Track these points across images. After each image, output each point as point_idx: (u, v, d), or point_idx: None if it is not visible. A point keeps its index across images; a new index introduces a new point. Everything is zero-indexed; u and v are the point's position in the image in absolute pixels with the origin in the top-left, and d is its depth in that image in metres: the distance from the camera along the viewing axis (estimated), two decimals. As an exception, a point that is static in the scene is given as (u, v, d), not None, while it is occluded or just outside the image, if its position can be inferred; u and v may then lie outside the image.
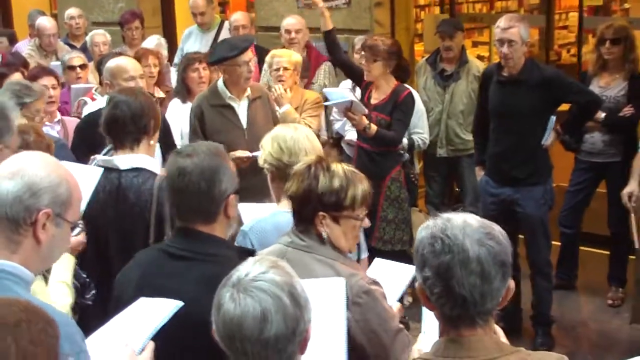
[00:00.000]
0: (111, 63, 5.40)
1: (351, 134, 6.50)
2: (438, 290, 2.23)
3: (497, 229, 2.28)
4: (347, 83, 6.86)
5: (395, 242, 6.16)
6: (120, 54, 6.31)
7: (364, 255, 4.06)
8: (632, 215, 5.86)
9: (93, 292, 3.69)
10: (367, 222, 3.31)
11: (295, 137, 3.84)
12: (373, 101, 6.07)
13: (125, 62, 5.39)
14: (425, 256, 2.24)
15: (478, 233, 2.23)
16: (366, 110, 5.86)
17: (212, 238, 3.06)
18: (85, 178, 3.62)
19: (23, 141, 3.93)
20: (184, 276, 2.97)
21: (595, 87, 6.47)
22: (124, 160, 3.99)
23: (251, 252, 3.22)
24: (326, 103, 6.13)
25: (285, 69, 6.21)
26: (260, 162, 3.90)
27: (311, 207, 3.15)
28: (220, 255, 3.01)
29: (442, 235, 2.22)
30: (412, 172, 6.38)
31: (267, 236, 3.63)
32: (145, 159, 4.03)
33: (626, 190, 5.87)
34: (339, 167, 3.20)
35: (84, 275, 3.71)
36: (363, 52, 6.14)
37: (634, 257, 6.21)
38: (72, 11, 9.17)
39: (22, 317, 1.82)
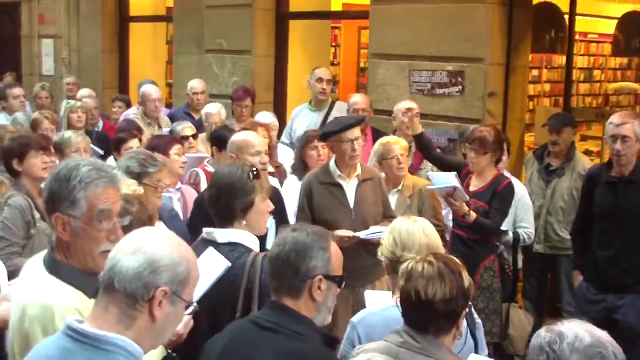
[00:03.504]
0: (238, 137, 5.54)
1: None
2: None
3: (611, 348, 2.24)
4: None
5: (484, 334, 5.99)
6: (229, 129, 6.46)
7: (484, 352, 3.98)
8: None
9: None
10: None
11: (410, 231, 3.83)
12: (472, 188, 6.01)
13: (252, 137, 5.52)
14: None
15: (588, 351, 2.19)
16: (467, 198, 5.80)
17: (297, 315, 3.08)
18: (211, 267, 3.68)
19: (125, 211, 3.97)
20: (264, 348, 2.99)
21: None
22: (223, 234, 4.01)
23: (335, 341, 3.18)
24: (430, 187, 6.06)
25: (402, 155, 6.16)
26: (379, 254, 3.89)
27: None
28: (305, 334, 3.01)
29: (549, 349, 2.20)
30: (507, 263, 6.24)
31: (375, 331, 3.59)
32: (243, 234, 4.04)
33: None
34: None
35: (169, 351, 3.67)
36: (469, 144, 6.10)
37: None
38: (196, 86, 9.37)
39: None
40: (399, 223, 3.93)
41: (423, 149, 6.50)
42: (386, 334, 3.45)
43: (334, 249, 3.17)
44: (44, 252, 3.15)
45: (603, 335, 2.27)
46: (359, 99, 7.90)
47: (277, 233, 5.13)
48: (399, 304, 3.17)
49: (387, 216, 5.65)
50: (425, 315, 3.07)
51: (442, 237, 5.96)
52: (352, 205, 5.63)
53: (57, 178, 3.03)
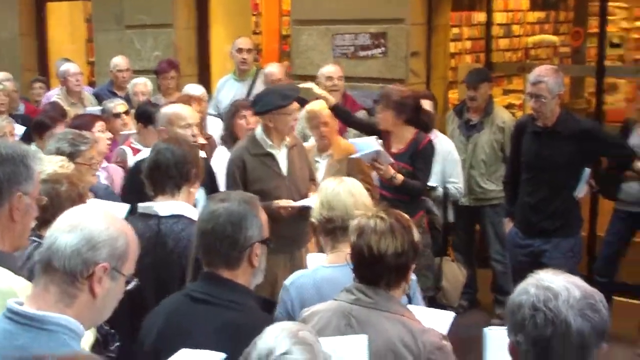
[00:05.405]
0: (168, 110, 5.49)
1: None
2: (532, 356, 2.22)
3: (597, 297, 2.23)
4: None
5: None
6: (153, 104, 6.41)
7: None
8: None
9: (117, 344, 3.64)
10: None
11: (336, 191, 3.85)
12: (393, 150, 6.02)
13: (182, 110, 5.47)
14: (523, 325, 2.21)
15: (581, 304, 2.19)
16: (392, 160, 5.83)
17: (234, 285, 3.08)
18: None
19: (54, 191, 3.89)
20: (204, 321, 3.00)
21: (636, 135, 6.47)
22: (164, 206, 4.02)
23: (272, 304, 3.22)
24: (353, 155, 6.05)
25: (326, 123, 6.19)
26: (311, 216, 3.93)
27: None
28: (241, 303, 3.04)
29: (545, 308, 2.18)
30: (436, 218, 6.30)
31: (306, 292, 3.64)
32: (185, 206, 4.06)
33: None
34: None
35: (107, 327, 3.65)
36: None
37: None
38: (120, 62, 9.25)
39: None
40: (326, 184, 3.97)
41: (342, 118, 6.45)
42: (316, 294, 3.51)
43: (262, 212, 3.18)
44: None
45: (584, 284, 2.27)
46: (274, 69, 7.96)
47: None
48: (349, 260, 3.20)
49: (311, 179, 5.78)
50: (376, 269, 3.10)
51: (373, 198, 6.08)
52: (285, 174, 5.66)
53: (6, 158, 2.91)
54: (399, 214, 3.26)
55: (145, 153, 4.75)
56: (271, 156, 5.65)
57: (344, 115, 6.41)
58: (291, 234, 5.36)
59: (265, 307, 3.15)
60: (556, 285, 2.21)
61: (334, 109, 6.30)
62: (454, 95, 9.47)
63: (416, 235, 3.20)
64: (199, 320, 3.01)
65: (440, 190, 6.53)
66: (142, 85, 8.16)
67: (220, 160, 6.25)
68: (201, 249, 3.16)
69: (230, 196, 3.18)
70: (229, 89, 8.38)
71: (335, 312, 3.14)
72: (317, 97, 6.33)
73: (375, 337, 3.01)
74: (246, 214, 3.08)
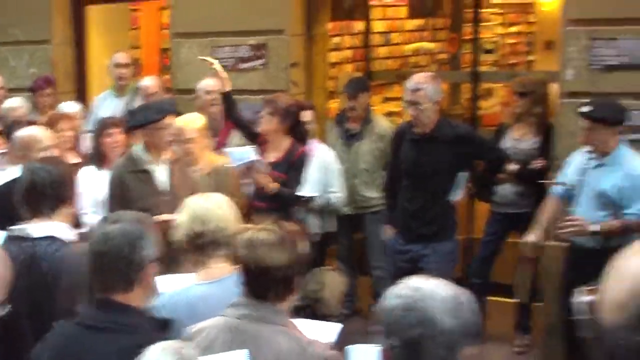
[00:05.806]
0: (22, 133, 5.30)
1: None
2: (404, 357, 2.25)
3: (465, 297, 2.29)
4: None
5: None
6: (29, 122, 6.23)
7: None
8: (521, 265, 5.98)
9: None
10: None
11: (206, 206, 3.85)
12: (270, 159, 6.10)
13: (38, 132, 5.31)
14: (395, 326, 2.25)
15: (450, 304, 2.24)
16: (268, 169, 5.92)
17: (129, 308, 3.03)
18: None
19: None
20: (98, 348, 2.92)
21: (510, 139, 6.64)
22: (38, 228, 3.93)
23: (166, 323, 3.19)
24: (230, 165, 6.08)
25: (191, 140, 6.06)
26: (175, 233, 3.88)
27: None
28: (136, 326, 2.99)
29: (414, 307, 2.23)
30: (306, 227, 6.36)
31: (179, 312, 3.60)
32: (60, 227, 3.98)
33: (529, 239, 5.82)
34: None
35: None
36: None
37: (538, 304, 6.50)
38: None
39: None
40: (193, 200, 3.96)
41: (227, 107, 6.51)
42: (189, 313, 3.49)
43: (154, 231, 3.16)
44: None
45: (453, 285, 2.34)
46: (149, 83, 7.93)
47: None
48: (238, 272, 3.20)
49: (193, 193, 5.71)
50: (265, 282, 3.11)
51: (242, 210, 6.11)
52: (165, 190, 5.60)
53: None
54: (287, 226, 3.29)
55: (8, 175, 4.61)
56: (150, 173, 5.59)
57: (231, 106, 6.52)
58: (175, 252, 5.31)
59: (161, 327, 3.12)
60: (425, 287, 2.27)
61: (225, 96, 6.46)
62: (335, 105, 9.54)
63: (302, 247, 3.23)
64: (93, 348, 2.93)
65: (320, 200, 6.59)
66: (19, 109, 7.86)
67: (88, 180, 6.11)
68: (94, 272, 3.08)
69: (122, 217, 3.14)
70: (108, 105, 8.24)
71: (223, 328, 3.13)
72: (217, 75, 6.53)
73: (265, 351, 3.03)
74: (141, 233, 3.05)
